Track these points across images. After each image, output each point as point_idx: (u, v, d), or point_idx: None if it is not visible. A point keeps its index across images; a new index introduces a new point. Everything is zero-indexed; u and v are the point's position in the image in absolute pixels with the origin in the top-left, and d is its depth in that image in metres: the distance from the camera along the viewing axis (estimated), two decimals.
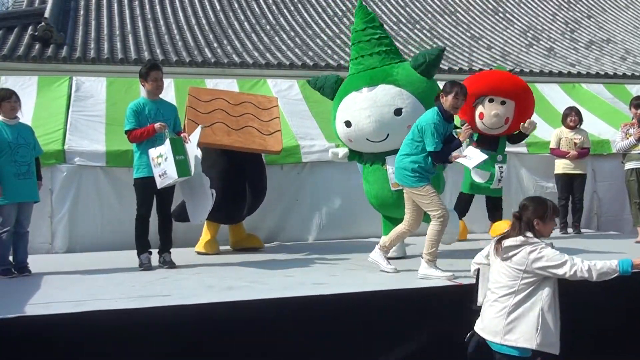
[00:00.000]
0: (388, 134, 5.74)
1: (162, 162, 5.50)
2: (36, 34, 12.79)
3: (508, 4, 20.19)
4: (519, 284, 3.47)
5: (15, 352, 3.71)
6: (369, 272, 5.35)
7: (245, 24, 16.01)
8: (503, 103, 7.01)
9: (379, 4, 18.67)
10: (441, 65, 14.20)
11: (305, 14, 17.22)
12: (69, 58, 12.39)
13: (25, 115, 6.36)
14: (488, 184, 7.23)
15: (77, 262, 6.20)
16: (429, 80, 5.89)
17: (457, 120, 5.86)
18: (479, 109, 7.11)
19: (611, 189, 8.62)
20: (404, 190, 5.24)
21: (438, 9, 19.10)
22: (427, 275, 4.92)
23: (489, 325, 3.54)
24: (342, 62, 13.70)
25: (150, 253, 5.81)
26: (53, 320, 3.84)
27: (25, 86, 8.02)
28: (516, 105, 7.05)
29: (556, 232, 7.92)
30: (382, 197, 5.97)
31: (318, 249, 6.87)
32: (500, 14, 19.50)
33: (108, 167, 7.16)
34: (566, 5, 20.83)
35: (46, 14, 13.36)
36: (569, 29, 19.19)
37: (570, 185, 7.96)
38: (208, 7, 16.61)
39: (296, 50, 14.62)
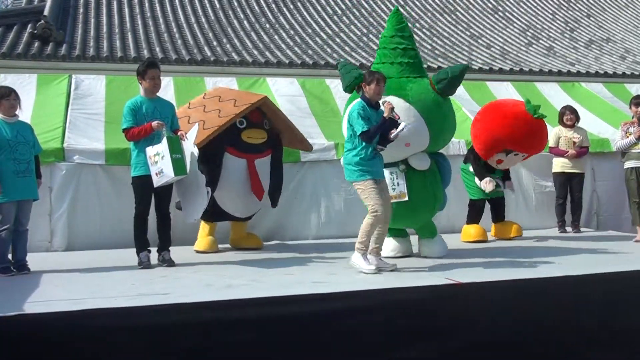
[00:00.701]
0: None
1: (158, 161, 5.49)
2: (35, 31, 12.77)
3: (507, 3, 20.18)
4: None
5: (15, 350, 3.70)
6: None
7: (245, 22, 16.01)
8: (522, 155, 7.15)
9: (379, 2, 18.66)
10: (441, 64, 14.22)
11: (305, 13, 17.21)
12: (68, 56, 12.37)
13: (25, 113, 6.35)
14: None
15: (76, 260, 6.20)
16: (442, 101, 5.81)
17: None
18: (499, 156, 7.04)
19: (611, 188, 8.62)
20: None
21: (437, 8, 19.09)
22: (355, 264, 5.23)
23: None
24: (341, 60, 13.69)
25: (150, 251, 5.81)
26: (52, 319, 3.83)
27: (24, 84, 8.01)
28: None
29: (554, 231, 7.93)
30: None
31: (317, 247, 6.87)
32: (499, 13, 19.49)
33: (107, 165, 7.15)
34: (566, 5, 20.83)
35: (46, 12, 13.35)
36: (568, 28, 19.19)
37: (568, 184, 7.96)
38: (207, 5, 16.59)
39: (295, 48, 14.61)
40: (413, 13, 18.49)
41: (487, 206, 7.56)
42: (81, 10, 15.03)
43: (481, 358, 4.38)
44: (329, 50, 14.85)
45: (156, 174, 5.53)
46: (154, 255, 5.83)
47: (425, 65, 13.79)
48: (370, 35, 16.18)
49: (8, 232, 5.41)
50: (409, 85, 5.78)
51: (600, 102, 9.93)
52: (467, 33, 17.69)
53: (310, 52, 14.48)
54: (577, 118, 8.06)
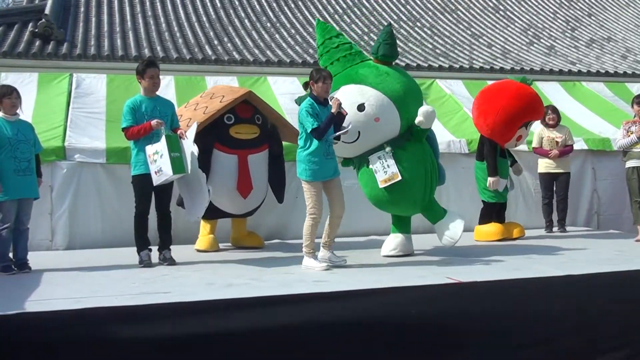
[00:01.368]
0: (359, 132, 5.71)
1: (157, 159, 5.49)
2: (36, 30, 12.77)
3: (509, 2, 20.17)
4: None
5: (15, 349, 3.70)
6: (369, 270, 5.36)
7: (246, 21, 16.00)
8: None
9: (380, 1, 18.65)
10: (442, 64, 14.24)
11: (306, 12, 17.20)
12: (69, 55, 12.37)
13: (26, 112, 6.35)
14: (506, 190, 7.36)
15: (77, 259, 6.20)
16: (391, 71, 5.87)
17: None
18: (520, 131, 7.04)
19: (611, 187, 8.62)
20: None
21: (439, 7, 19.08)
22: (307, 266, 5.39)
23: None
24: None
25: (150, 250, 5.81)
26: (53, 317, 3.83)
27: (25, 83, 8.01)
28: None
29: (541, 231, 7.91)
30: (376, 196, 5.99)
31: (318, 246, 6.85)
32: (500, 12, 19.48)
33: (108, 164, 7.15)
34: (567, 4, 20.81)
35: (47, 11, 13.35)
36: (569, 27, 19.17)
37: (553, 184, 7.93)
38: (208, 4, 16.59)
39: (297, 47, 14.61)
40: (414, 12, 18.48)
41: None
42: (82, 9, 15.02)
43: (482, 357, 4.38)
44: None
45: (155, 173, 5.53)
46: (154, 254, 5.83)
47: (426, 65, 13.97)
48: (371, 34, 16.17)
49: (9, 231, 5.41)
50: (354, 71, 5.93)
51: (601, 102, 9.92)
52: (468, 32, 17.67)
53: (311, 51, 14.46)
54: (559, 117, 8.03)
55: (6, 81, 7.52)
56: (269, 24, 16.06)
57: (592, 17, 20.12)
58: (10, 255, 5.54)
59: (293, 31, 15.79)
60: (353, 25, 16.80)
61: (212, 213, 6.67)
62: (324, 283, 4.73)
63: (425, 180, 5.87)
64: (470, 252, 6.28)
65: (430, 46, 15.98)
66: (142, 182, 5.70)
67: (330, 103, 5.43)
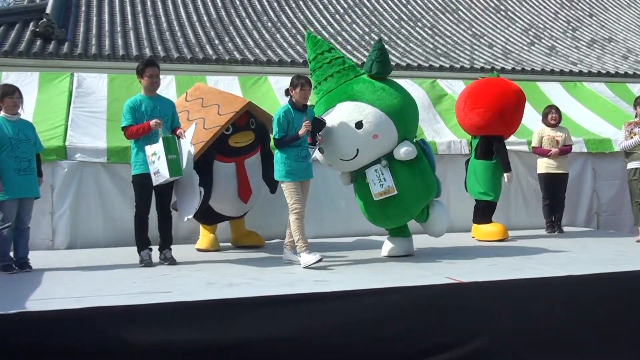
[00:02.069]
0: (357, 149, 5.66)
1: (155, 161, 5.51)
2: (37, 30, 12.78)
3: (510, 2, 20.17)
4: None
5: (16, 348, 3.71)
6: (370, 270, 5.36)
7: (247, 20, 16.01)
8: None
9: (381, 1, 18.65)
10: (443, 64, 14.24)
11: (307, 12, 17.20)
12: (70, 54, 12.37)
13: (27, 112, 6.36)
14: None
15: (77, 258, 6.21)
16: (387, 86, 5.80)
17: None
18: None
19: (611, 188, 8.62)
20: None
21: (440, 7, 19.08)
22: (306, 262, 5.48)
23: None
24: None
25: (151, 250, 5.82)
26: (53, 316, 3.84)
27: (26, 82, 8.01)
28: None
29: (542, 232, 7.90)
30: (371, 212, 5.97)
31: (319, 246, 6.84)
32: (501, 12, 19.47)
33: (109, 164, 7.16)
34: (568, 4, 20.81)
35: (48, 10, 13.36)
36: (570, 28, 19.17)
37: (554, 184, 7.92)
38: (209, 3, 16.60)
39: (297, 47, 14.61)
40: (415, 12, 18.49)
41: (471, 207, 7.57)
42: (83, 8, 15.04)
43: (483, 357, 4.38)
44: None
45: (154, 174, 5.54)
46: (155, 254, 5.84)
47: (427, 65, 13.96)
48: (372, 35, 16.18)
49: (10, 230, 5.42)
50: (349, 87, 5.84)
51: (602, 102, 9.92)
52: (469, 32, 17.67)
53: None
54: (561, 118, 8.03)
55: (7, 80, 7.53)
56: (270, 24, 16.06)
57: (593, 18, 20.12)
58: (11, 254, 5.55)
59: (294, 31, 15.79)
60: (354, 25, 16.80)
61: (213, 219, 6.69)
62: (324, 283, 4.74)
63: (421, 194, 5.85)
64: (470, 252, 6.28)
65: (431, 46, 15.98)
66: (142, 182, 5.70)
67: (313, 109, 5.67)
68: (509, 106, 7.19)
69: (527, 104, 7.65)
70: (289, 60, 13.52)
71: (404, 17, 18.01)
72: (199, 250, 6.73)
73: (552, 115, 7.93)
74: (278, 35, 15.36)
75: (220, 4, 16.66)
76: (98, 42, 13.22)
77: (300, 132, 5.56)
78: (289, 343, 4.10)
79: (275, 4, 17.21)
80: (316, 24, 16.48)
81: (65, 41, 12.90)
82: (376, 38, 15.78)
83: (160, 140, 5.49)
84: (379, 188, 5.70)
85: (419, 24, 17.68)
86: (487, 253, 6.14)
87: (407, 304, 4.37)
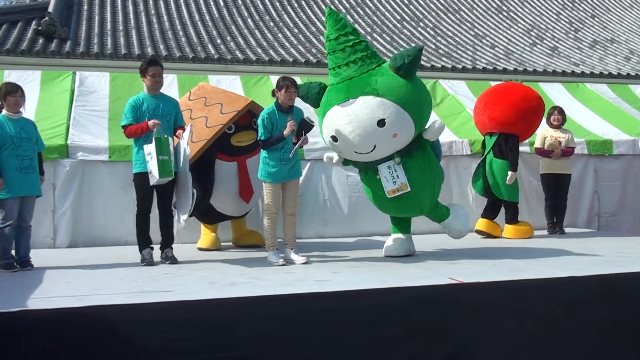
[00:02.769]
0: (375, 145, 5.60)
1: (149, 160, 5.51)
2: (40, 28, 12.79)
3: (512, 2, 20.16)
4: None
5: (17, 346, 3.71)
6: (371, 270, 5.35)
7: (249, 20, 16.01)
8: None
9: (383, 1, 18.65)
10: (445, 64, 14.23)
11: (309, 11, 17.21)
12: (72, 53, 12.39)
13: (28, 110, 6.37)
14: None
15: (79, 257, 6.21)
16: (409, 82, 5.62)
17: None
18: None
19: (612, 189, 8.61)
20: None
21: (442, 7, 19.07)
22: (269, 261, 5.72)
23: None
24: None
25: (152, 249, 5.82)
26: (55, 315, 3.84)
27: (28, 80, 8.02)
28: None
29: (544, 232, 7.89)
30: (381, 203, 5.99)
31: (320, 246, 6.87)
32: (504, 13, 19.46)
33: (111, 162, 7.17)
34: (570, 5, 20.79)
35: (50, 9, 13.37)
36: (573, 29, 19.15)
37: (556, 185, 7.92)
38: (212, 3, 16.60)
39: (299, 47, 14.61)
40: (417, 12, 18.48)
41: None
42: (85, 7, 15.04)
43: (483, 357, 4.37)
44: None
45: (149, 173, 5.55)
46: (157, 253, 5.84)
47: (429, 65, 13.97)
48: (375, 34, 16.17)
49: (11, 229, 5.42)
50: (373, 78, 5.60)
51: (604, 103, 9.91)
52: (471, 33, 17.66)
53: (314, 50, 14.47)
54: (565, 120, 8.04)
55: (9, 79, 7.54)
56: (272, 23, 16.06)
57: (596, 19, 20.10)
58: (13, 252, 5.55)
59: (296, 30, 15.79)
60: (356, 25, 16.78)
61: (214, 218, 6.70)
62: (325, 282, 4.73)
63: (432, 187, 5.86)
64: (472, 252, 6.28)
65: (433, 46, 15.98)
66: (143, 181, 5.69)
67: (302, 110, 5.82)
68: (531, 107, 7.42)
69: None
70: (290, 59, 13.52)
71: (406, 18, 18.01)
72: (200, 249, 6.74)
73: (554, 117, 7.93)
74: (280, 35, 15.36)
75: (222, 3, 16.67)
76: (100, 41, 13.23)
77: (285, 132, 5.63)
78: (290, 343, 4.10)
79: (277, 4, 17.21)
80: (318, 23, 16.48)
81: (68, 40, 12.91)
82: (379, 38, 15.84)
83: (154, 140, 5.49)
84: (392, 185, 5.68)
85: (421, 24, 17.67)
86: (488, 254, 6.14)
87: (408, 304, 4.37)
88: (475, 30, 17.93)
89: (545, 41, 17.81)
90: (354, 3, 18.15)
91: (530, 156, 8.27)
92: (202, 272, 5.29)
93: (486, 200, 7.59)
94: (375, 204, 6.09)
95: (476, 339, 4.38)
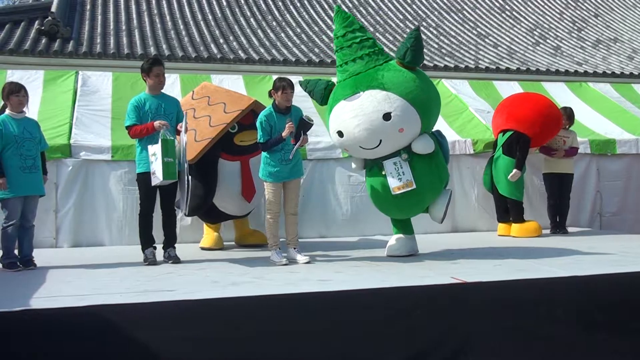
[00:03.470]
0: (380, 140, 5.57)
1: (154, 161, 5.50)
2: (43, 28, 12.81)
3: (515, 2, 20.13)
4: None
5: (20, 345, 3.71)
6: (374, 270, 5.35)
7: (252, 20, 16.01)
8: None
9: (386, 1, 18.64)
10: (447, 64, 14.22)
11: (312, 11, 17.21)
12: (75, 52, 12.41)
13: (31, 110, 6.36)
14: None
15: (82, 256, 6.22)
16: (417, 78, 5.62)
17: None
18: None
19: (614, 188, 8.60)
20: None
21: (444, 7, 19.06)
22: (271, 260, 5.73)
23: None
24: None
25: (155, 248, 5.82)
26: (57, 314, 3.84)
27: (31, 80, 8.03)
28: None
29: (546, 232, 7.89)
30: (383, 203, 5.96)
31: (323, 245, 6.87)
32: (507, 12, 19.44)
33: (113, 162, 7.17)
34: (573, 4, 20.76)
35: (53, 8, 13.40)
36: (576, 28, 19.13)
37: (559, 185, 7.91)
38: (214, 2, 16.61)
39: (302, 46, 14.61)
40: (420, 12, 18.47)
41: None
42: (88, 6, 15.07)
43: (486, 357, 4.37)
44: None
45: (152, 174, 5.54)
46: (159, 252, 5.84)
47: (432, 65, 13.95)
48: (377, 34, 16.16)
49: (14, 228, 5.43)
50: (379, 73, 5.60)
51: (607, 102, 9.89)
52: (474, 32, 17.65)
53: (316, 50, 14.48)
54: (571, 123, 8.03)
55: (12, 78, 7.55)
56: (274, 23, 16.07)
57: (599, 18, 20.07)
58: (16, 252, 5.56)
59: (299, 30, 15.80)
60: None
61: (216, 217, 6.70)
62: (328, 282, 4.73)
63: (436, 188, 5.83)
64: (474, 252, 6.27)
65: (436, 46, 15.97)
66: (146, 180, 5.69)
67: (301, 111, 5.82)
68: (552, 114, 7.63)
69: None
70: (293, 59, 13.52)
71: (409, 17, 18.00)
72: (202, 248, 6.74)
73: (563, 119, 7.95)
74: (283, 35, 15.36)
75: (225, 3, 16.68)
76: (103, 41, 13.24)
77: (283, 134, 5.65)
78: (291, 342, 4.10)
79: (280, 3, 17.22)
80: (321, 23, 16.48)
81: (70, 39, 12.93)
82: (382, 38, 15.82)
83: (160, 141, 5.49)
84: (398, 182, 5.63)
85: (424, 23, 17.66)
86: (491, 253, 6.13)
87: (411, 304, 4.36)
88: (478, 29, 17.91)
89: (548, 40, 17.79)
90: (356, 2, 18.15)
91: (533, 156, 8.25)
92: (204, 272, 5.29)
93: (488, 199, 7.58)
94: (376, 204, 6.07)
95: (479, 339, 4.38)
